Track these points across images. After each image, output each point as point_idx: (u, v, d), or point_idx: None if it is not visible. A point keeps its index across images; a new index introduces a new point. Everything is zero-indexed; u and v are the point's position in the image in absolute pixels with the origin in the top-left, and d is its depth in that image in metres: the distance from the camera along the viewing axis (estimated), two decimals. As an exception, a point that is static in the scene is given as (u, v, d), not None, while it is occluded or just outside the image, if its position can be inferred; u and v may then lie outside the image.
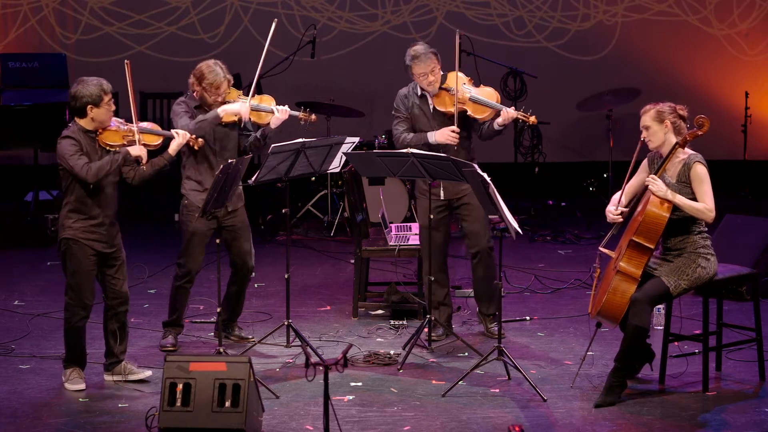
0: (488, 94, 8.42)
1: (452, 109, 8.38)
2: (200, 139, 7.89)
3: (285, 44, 13.07)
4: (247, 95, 8.31)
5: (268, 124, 8.30)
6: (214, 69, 8.21)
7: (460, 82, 8.42)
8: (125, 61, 7.76)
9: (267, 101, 8.38)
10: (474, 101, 8.37)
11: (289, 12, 13.64)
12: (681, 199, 7.36)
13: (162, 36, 13.62)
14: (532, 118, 8.29)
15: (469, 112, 8.38)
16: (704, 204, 7.37)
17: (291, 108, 8.42)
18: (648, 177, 7.45)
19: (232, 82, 8.33)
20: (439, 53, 8.48)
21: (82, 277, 7.54)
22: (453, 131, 8.33)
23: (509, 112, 8.28)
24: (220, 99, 8.24)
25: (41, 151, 12.61)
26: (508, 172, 12.90)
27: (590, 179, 13.18)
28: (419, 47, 8.44)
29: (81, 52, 13.54)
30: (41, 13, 13.55)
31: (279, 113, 8.29)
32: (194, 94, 8.28)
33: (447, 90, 8.43)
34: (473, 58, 12.14)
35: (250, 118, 8.30)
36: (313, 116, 8.42)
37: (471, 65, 12.25)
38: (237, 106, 8.21)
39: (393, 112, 8.58)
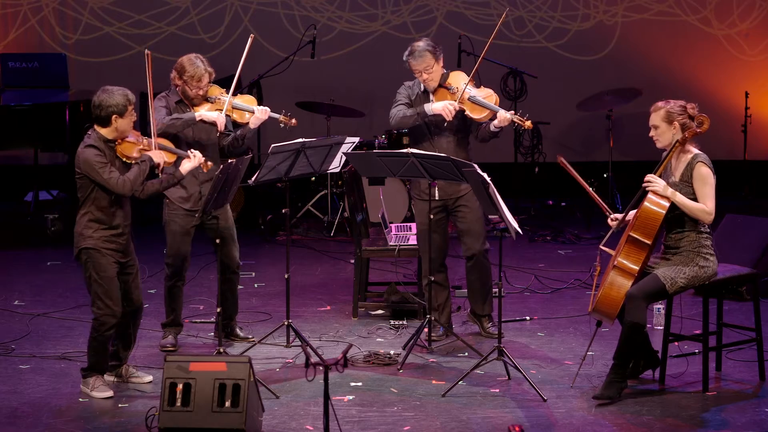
0: (487, 95, 8.41)
1: None
2: (210, 163, 7.85)
3: (285, 44, 13.07)
4: (229, 92, 8.31)
5: (247, 123, 8.30)
6: (195, 62, 8.26)
7: (461, 81, 8.43)
8: (146, 51, 7.74)
9: (248, 101, 8.38)
10: (472, 101, 8.37)
11: (289, 12, 13.64)
12: (680, 198, 7.36)
13: (162, 36, 13.62)
14: (528, 123, 8.25)
15: (466, 112, 8.39)
16: (704, 206, 7.37)
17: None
18: (646, 176, 7.45)
19: (213, 76, 8.33)
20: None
21: (110, 283, 7.45)
22: (452, 104, 8.31)
23: (505, 115, 8.26)
24: (201, 92, 8.25)
25: (41, 151, 12.60)
26: (508, 172, 12.90)
27: (590, 179, 13.18)
28: (419, 43, 8.45)
29: (81, 52, 13.54)
30: (41, 13, 13.55)
31: (258, 113, 8.27)
32: (176, 88, 8.31)
33: (447, 88, 8.45)
34: (473, 58, 12.13)
35: (230, 118, 8.30)
36: (294, 120, 8.40)
37: (471, 65, 12.25)
38: (214, 115, 8.18)
39: (395, 99, 8.56)
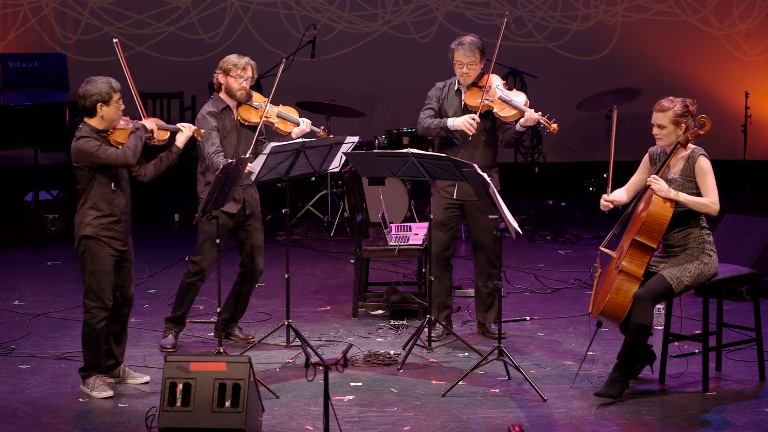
0: (518, 96, 8.43)
1: (479, 103, 8.38)
2: (202, 130, 7.91)
3: (285, 44, 13.07)
4: (272, 101, 8.42)
5: (290, 133, 8.38)
6: (237, 58, 8.32)
7: (494, 82, 8.44)
8: (114, 40, 7.72)
9: (292, 112, 8.47)
10: (502, 100, 8.38)
11: (289, 12, 13.64)
12: (685, 197, 7.36)
13: (162, 36, 13.62)
14: (554, 126, 8.25)
15: (495, 110, 8.37)
16: (708, 198, 7.38)
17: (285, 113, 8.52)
18: (649, 177, 7.45)
19: (256, 71, 8.37)
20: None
21: (103, 278, 7.46)
22: (473, 119, 8.33)
23: (532, 114, 8.26)
24: (246, 84, 8.28)
25: (41, 151, 12.61)
26: (508, 172, 12.89)
27: (590, 179, 13.18)
28: (471, 37, 8.46)
29: (81, 52, 13.55)
30: (41, 13, 13.56)
31: (304, 125, 8.43)
32: (219, 93, 8.33)
33: (480, 87, 8.45)
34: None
35: (272, 126, 8.39)
36: (332, 137, 8.53)
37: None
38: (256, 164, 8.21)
39: (425, 101, 8.58)
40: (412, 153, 8.07)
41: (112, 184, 7.46)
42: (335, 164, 8.51)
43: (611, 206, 7.66)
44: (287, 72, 12.26)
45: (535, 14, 13.71)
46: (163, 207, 12.45)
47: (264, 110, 8.38)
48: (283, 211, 8.50)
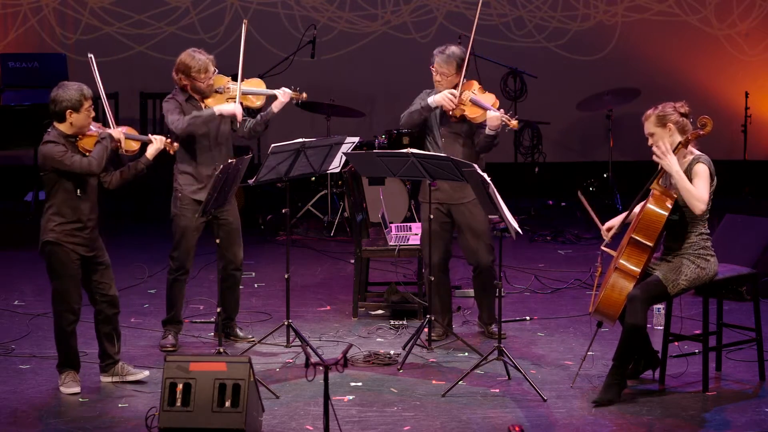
0: (486, 97, 8.41)
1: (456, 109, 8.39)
2: (175, 144, 7.87)
3: (285, 44, 13.08)
4: (237, 81, 8.37)
5: (260, 107, 8.36)
6: (195, 56, 8.32)
7: (472, 87, 8.43)
8: (89, 55, 7.70)
9: (257, 84, 8.42)
10: (472, 102, 8.38)
11: (289, 12, 13.64)
12: (680, 177, 7.23)
13: (162, 36, 13.62)
14: (513, 122, 8.21)
15: (466, 113, 8.38)
16: (698, 190, 7.29)
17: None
18: (659, 151, 7.33)
19: (215, 63, 8.35)
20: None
21: (69, 282, 7.46)
22: (452, 93, 8.30)
23: (494, 115, 8.23)
24: (211, 83, 8.26)
25: (41, 151, 12.61)
26: (508, 172, 12.90)
27: (590, 179, 13.19)
28: (455, 50, 8.46)
29: (81, 52, 13.51)
30: (41, 13, 13.56)
31: (282, 96, 8.36)
32: (183, 88, 8.32)
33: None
34: (473, 58, 12.13)
35: (242, 105, 8.34)
36: (305, 94, 8.46)
37: (471, 65, 12.24)
38: (232, 107, 8.22)
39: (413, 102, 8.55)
40: (412, 153, 8.07)
41: (78, 191, 7.44)
42: (335, 164, 8.50)
43: (609, 235, 7.65)
44: (287, 72, 12.34)
45: (535, 14, 13.71)
46: (163, 207, 12.44)
47: (228, 93, 8.33)
48: (283, 211, 8.51)
